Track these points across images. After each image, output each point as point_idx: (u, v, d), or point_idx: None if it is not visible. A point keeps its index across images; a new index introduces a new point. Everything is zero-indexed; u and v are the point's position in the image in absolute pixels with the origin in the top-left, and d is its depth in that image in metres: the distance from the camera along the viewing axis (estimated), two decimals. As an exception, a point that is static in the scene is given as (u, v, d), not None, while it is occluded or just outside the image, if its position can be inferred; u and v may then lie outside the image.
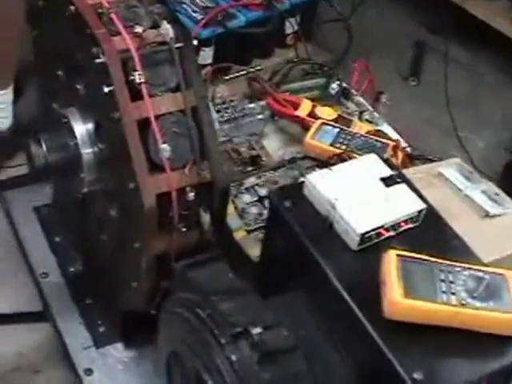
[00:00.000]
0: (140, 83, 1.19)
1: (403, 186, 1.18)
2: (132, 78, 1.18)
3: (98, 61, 1.18)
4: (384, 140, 1.65)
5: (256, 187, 1.50)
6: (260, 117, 1.67)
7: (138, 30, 1.17)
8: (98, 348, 1.57)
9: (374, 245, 1.12)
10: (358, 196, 1.15)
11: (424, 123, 2.29)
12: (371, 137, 1.64)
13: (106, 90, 1.18)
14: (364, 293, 1.05)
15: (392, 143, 1.63)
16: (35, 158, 1.35)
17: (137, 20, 1.18)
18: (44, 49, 1.42)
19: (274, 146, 1.61)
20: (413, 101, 2.38)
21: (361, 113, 1.77)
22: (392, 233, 1.15)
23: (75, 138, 1.33)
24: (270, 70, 1.79)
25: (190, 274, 1.25)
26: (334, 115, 1.69)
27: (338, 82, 1.77)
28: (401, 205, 1.14)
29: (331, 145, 1.59)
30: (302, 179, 1.25)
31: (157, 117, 1.20)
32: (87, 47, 1.18)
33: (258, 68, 1.85)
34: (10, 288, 1.77)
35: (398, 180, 1.18)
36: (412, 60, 2.48)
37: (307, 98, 1.71)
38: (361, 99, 1.80)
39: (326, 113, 1.70)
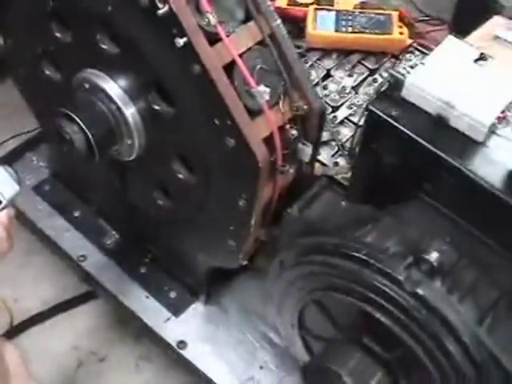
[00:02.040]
0: (214, 24, 1.07)
1: (495, 63, 1.16)
2: (204, 21, 1.06)
3: (161, 12, 1.05)
4: (383, 11, 1.60)
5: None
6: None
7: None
8: (177, 316, 1.53)
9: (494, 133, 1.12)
10: (466, 86, 1.12)
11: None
12: (369, 11, 1.59)
13: (181, 42, 1.06)
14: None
15: (395, 13, 1.59)
16: (74, 139, 1.23)
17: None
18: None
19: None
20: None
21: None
22: (509, 113, 1.14)
23: (115, 103, 1.25)
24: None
25: (309, 216, 1.23)
26: (312, -4, 1.65)
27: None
28: (505, 84, 1.13)
29: (336, 30, 1.53)
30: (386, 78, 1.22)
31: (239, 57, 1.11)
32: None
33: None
34: (47, 281, 1.70)
35: (487, 57, 1.16)
36: None
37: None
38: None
39: (303, -4, 1.64)
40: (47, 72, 1.43)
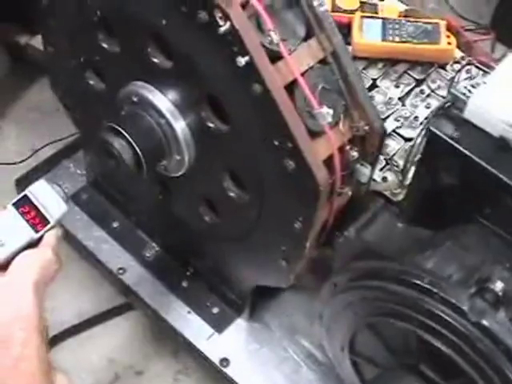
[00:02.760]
0: (277, 43, 1.06)
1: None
2: (267, 39, 1.05)
3: (222, 29, 1.03)
4: (430, 20, 1.56)
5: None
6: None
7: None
8: (220, 333, 1.53)
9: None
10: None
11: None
12: (417, 20, 1.55)
13: (243, 61, 1.05)
14: None
15: (442, 22, 1.55)
16: (123, 154, 1.22)
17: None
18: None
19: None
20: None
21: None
22: None
23: (164, 118, 1.23)
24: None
25: (365, 238, 1.22)
26: (357, 3, 1.58)
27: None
28: None
29: (383, 39, 1.49)
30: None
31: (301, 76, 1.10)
32: (197, 12, 1.05)
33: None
34: (85, 292, 1.71)
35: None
36: None
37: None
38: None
39: (347, 3, 1.58)
40: (90, 82, 1.42)
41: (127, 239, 1.64)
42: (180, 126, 1.25)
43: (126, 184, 1.57)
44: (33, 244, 1.14)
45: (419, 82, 1.46)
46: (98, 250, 1.61)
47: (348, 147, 1.15)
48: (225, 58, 1.07)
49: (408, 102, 1.45)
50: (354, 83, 1.14)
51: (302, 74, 1.10)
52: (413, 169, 1.28)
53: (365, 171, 1.20)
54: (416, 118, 1.34)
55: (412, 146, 1.30)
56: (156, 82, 1.24)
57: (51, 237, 1.15)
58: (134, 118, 1.27)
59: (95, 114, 1.45)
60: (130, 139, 1.23)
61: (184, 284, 1.58)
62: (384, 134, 1.18)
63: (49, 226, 1.15)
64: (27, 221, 1.14)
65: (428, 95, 1.39)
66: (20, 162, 1.86)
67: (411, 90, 1.46)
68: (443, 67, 1.49)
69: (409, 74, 1.48)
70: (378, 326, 1.21)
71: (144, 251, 1.62)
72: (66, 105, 1.58)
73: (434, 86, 1.42)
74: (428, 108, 1.40)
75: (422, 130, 1.29)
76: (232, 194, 1.29)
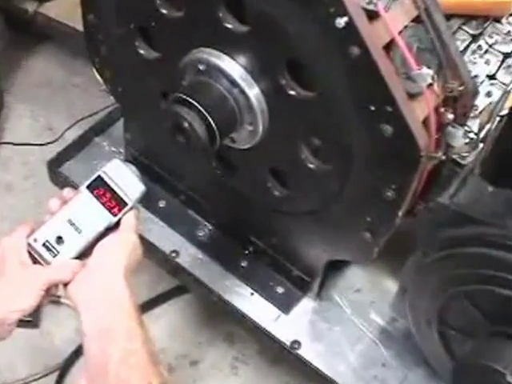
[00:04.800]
0: (375, 2, 1.10)
1: None
2: (365, -1, 1.07)
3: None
4: None
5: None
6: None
7: None
8: (287, 313, 1.55)
9: None
10: None
11: None
12: None
13: (342, 22, 1.07)
14: None
15: None
16: (196, 127, 1.23)
17: None
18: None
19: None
20: None
21: None
22: None
23: (237, 86, 1.25)
24: None
25: (458, 204, 1.25)
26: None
27: None
28: None
29: None
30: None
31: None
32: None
33: None
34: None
35: None
36: None
37: None
38: None
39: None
40: (140, 51, 1.42)
41: (176, 219, 1.65)
42: (254, 93, 1.26)
43: (177, 160, 1.58)
44: (110, 228, 1.17)
45: (475, 38, 1.46)
46: (146, 232, 1.59)
47: (442, 109, 1.18)
48: (318, 19, 1.08)
49: (465, 58, 1.43)
50: (447, 41, 1.16)
51: (398, 34, 1.12)
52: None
53: (457, 133, 1.23)
54: (476, 76, 1.32)
55: (496, 103, 1.32)
56: (227, 47, 1.25)
57: (131, 219, 1.18)
58: (202, 88, 1.27)
59: (143, 85, 1.47)
60: (202, 110, 1.23)
61: (243, 264, 1.59)
62: (476, 95, 1.21)
63: (127, 208, 1.18)
64: (103, 204, 1.17)
65: (486, 51, 1.38)
66: (50, 143, 1.89)
67: (467, 46, 1.45)
68: (498, 21, 1.49)
69: (463, 30, 1.47)
70: (475, 295, 1.25)
71: (196, 231, 1.64)
72: (105, 78, 1.58)
73: (491, 41, 1.41)
74: (487, 64, 1.40)
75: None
76: (311, 166, 1.30)
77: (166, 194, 1.68)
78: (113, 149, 1.76)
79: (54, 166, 1.73)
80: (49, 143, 1.94)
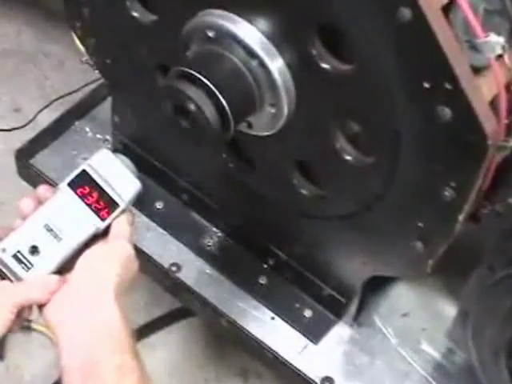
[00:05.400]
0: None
1: None
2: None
3: None
4: None
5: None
6: None
7: None
8: (317, 343, 1.55)
9: None
10: None
11: None
12: None
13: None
14: None
15: None
16: (205, 108, 1.22)
17: None
18: None
19: None
20: None
21: None
22: None
23: (256, 57, 1.25)
24: None
25: None
26: None
27: None
28: None
29: None
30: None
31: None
32: None
33: None
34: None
35: None
36: None
37: None
38: None
39: None
40: (134, 14, 1.42)
41: (177, 224, 1.65)
42: (277, 66, 1.25)
43: (179, 150, 1.56)
44: (98, 236, 1.17)
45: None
46: (141, 241, 1.59)
47: (517, 84, 1.16)
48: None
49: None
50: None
51: (459, -7, 1.11)
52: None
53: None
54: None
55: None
56: (243, 8, 1.24)
57: (123, 224, 1.17)
58: (211, 60, 1.27)
59: (136, 57, 1.46)
60: (211, 87, 1.22)
61: (262, 280, 1.59)
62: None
63: (118, 211, 1.18)
64: (89, 205, 1.17)
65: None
66: (18, 128, 1.89)
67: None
68: None
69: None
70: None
71: (202, 239, 1.64)
72: (88, 47, 1.58)
73: None
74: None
75: None
76: (348, 158, 1.30)
77: (164, 192, 1.68)
78: (98, 136, 1.76)
79: (24, 158, 1.73)
80: (16, 128, 1.94)
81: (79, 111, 1.81)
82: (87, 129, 1.79)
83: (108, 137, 1.75)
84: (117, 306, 1.08)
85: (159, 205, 1.68)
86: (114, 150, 1.67)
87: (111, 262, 1.12)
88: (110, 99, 1.72)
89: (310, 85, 1.26)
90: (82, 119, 1.80)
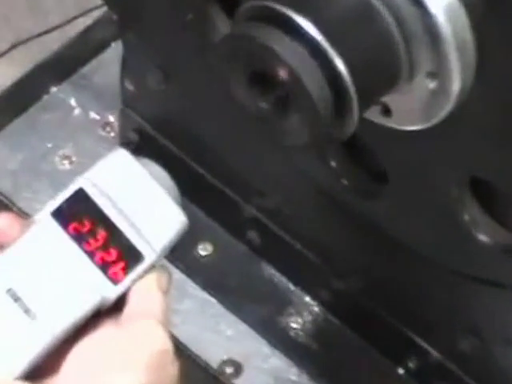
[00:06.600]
0: None
1: None
2: None
3: None
4: None
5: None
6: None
7: None
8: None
9: None
10: None
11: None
12: None
13: None
14: None
15: None
16: (305, 80, 1.13)
17: None
18: None
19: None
20: None
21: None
22: None
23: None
24: None
25: None
26: None
27: None
28: None
29: None
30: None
31: None
32: None
33: None
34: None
35: None
36: None
37: None
38: None
39: None
40: None
41: (238, 288, 1.62)
42: (444, 3, 1.16)
43: (246, 149, 1.49)
44: (104, 311, 1.11)
45: None
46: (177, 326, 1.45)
47: None
48: None
49: None
50: None
51: None
52: None
53: None
54: None
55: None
56: None
57: (153, 292, 1.13)
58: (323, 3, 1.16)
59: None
60: (318, 40, 1.13)
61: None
62: None
63: (143, 268, 1.09)
64: (89, 255, 1.09)
65: None
66: None
67: None
68: None
69: None
70: None
71: (283, 317, 1.57)
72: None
73: None
74: None
75: None
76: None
77: (216, 228, 1.59)
78: (93, 115, 1.63)
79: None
80: None
81: (59, 67, 1.68)
82: (72, 101, 1.65)
83: (111, 118, 1.61)
84: None
85: (204, 250, 1.57)
86: (123, 144, 1.57)
87: (129, 363, 1.02)
88: (116, 48, 1.59)
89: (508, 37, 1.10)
90: (64, 82, 1.66)
